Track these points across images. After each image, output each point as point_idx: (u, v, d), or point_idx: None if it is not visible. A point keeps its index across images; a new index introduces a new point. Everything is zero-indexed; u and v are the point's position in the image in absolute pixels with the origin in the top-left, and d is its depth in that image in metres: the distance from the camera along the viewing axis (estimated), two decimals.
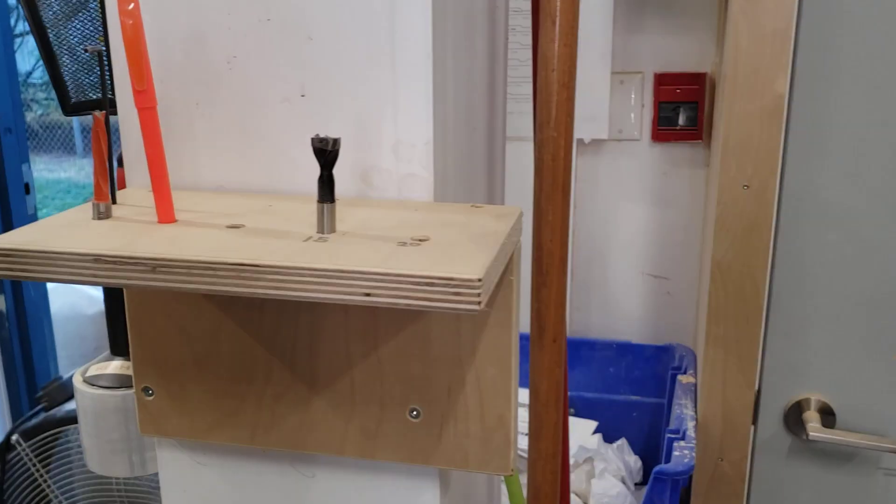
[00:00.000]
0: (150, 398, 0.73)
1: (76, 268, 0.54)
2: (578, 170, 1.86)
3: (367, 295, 0.51)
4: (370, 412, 0.69)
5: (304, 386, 0.70)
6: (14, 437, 1.78)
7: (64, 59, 0.71)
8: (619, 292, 1.90)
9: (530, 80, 1.70)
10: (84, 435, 0.89)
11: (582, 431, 1.79)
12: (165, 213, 0.60)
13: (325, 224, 0.57)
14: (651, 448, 1.81)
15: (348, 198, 0.67)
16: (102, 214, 0.61)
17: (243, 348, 0.70)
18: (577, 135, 1.82)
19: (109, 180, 0.64)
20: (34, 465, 1.77)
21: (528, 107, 1.74)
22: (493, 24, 0.84)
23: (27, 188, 2.32)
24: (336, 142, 0.55)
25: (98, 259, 0.54)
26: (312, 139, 0.55)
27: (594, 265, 1.90)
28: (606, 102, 1.79)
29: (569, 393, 1.85)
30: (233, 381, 0.71)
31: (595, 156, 1.85)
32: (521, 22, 1.74)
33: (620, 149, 1.84)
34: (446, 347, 0.66)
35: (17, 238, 0.56)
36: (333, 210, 0.57)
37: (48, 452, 1.78)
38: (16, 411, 2.27)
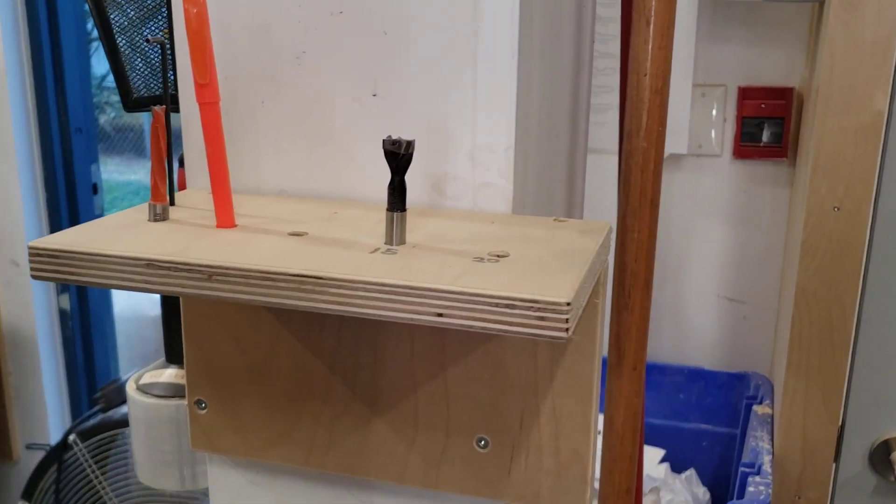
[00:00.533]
0: (203, 412, 0.69)
1: (127, 273, 0.50)
2: None
3: (440, 315, 0.45)
4: (434, 439, 0.64)
5: (364, 406, 0.65)
6: (71, 437, 1.78)
7: (126, 51, 0.68)
8: (692, 315, 1.82)
9: (606, 89, 1.62)
10: (135, 444, 0.86)
11: (649, 459, 1.71)
12: (225, 217, 0.56)
13: (395, 235, 0.52)
14: (721, 480, 1.72)
15: (418, 207, 0.62)
16: (159, 216, 0.57)
17: (301, 363, 0.65)
18: None
19: (168, 181, 0.60)
20: (90, 465, 1.77)
21: (605, 117, 1.67)
22: (580, 26, 0.78)
23: (95, 188, 2.34)
24: (410, 144, 0.50)
25: (150, 264, 0.49)
26: (384, 141, 0.50)
27: (667, 285, 1.82)
28: (686, 115, 1.72)
29: None
30: (289, 398, 0.66)
31: (672, 171, 1.77)
32: (601, 29, 1.68)
33: (699, 165, 1.76)
34: (521, 373, 0.60)
35: (65, 238, 0.52)
36: (404, 220, 0.52)
37: (104, 454, 1.77)
38: (76, 411, 2.28)
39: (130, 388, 0.86)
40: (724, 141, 1.73)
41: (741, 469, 1.42)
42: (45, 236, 0.52)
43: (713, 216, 1.77)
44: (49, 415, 2.21)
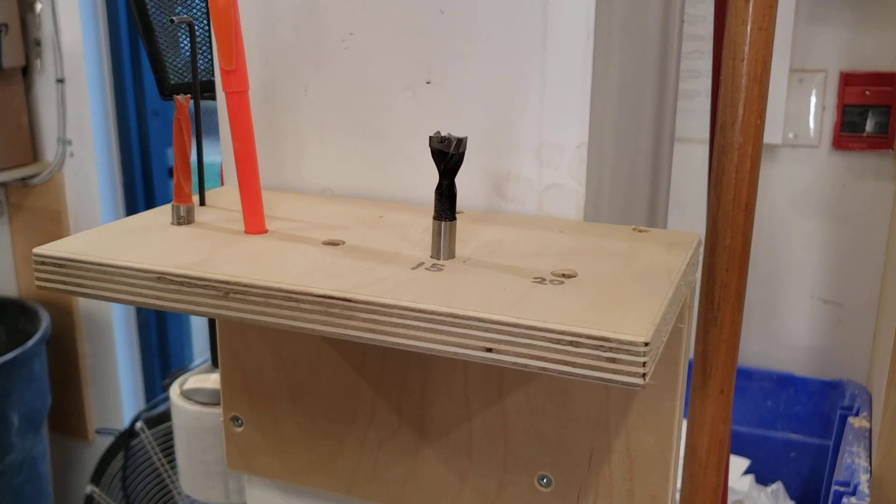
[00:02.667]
0: (240, 429, 0.63)
1: (136, 287, 0.44)
2: None
3: (488, 350, 0.38)
4: (490, 473, 0.56)
5: (412, 433, 0.58)
6: (138, 424, 1.77)
7: (162, 35, 0.62)
8: (783, 317, 1.69)
9: (694, 74, 1.49)
10: (178, 453, 0.81)
11: (732, 470, 1.60)
12: (254, 221, 0.49)
13: (443, 248, 0.44)
14: (811, 495, 1.59)
15: (476, 212, 0.54)
16: (183, 219, 0.51)
17: (344, 384, 0.58)
18: None
19: (199, 178, 0.54)
20: (156, 453, 1.75)
21: (691, 104, 1.56)
22: (668, 5, 0.69)
23: (171, 171, 2.33)
24: (461, 142, 0.42)
25: (161, 278, 0.43)
26: (431, 138, 0.43)
27: (756, 285, 1.70)
28: (782, 103, 1.59)
29: None
30: (331, 420, 0.60)
31: (765, 163, 1.65)
32: (689, 9, 1.56)
33: (795, 156, 1.63)
34: (590, 406, 0.52)
35: (74, 246, 0.46)
36: (453, 230, 0.44)
37: (170, 442, 1.75)
38: (150, 396, 2.29)
39: (174, 393, 0.81)
40: (823, 131, 1.59)
41: (835, 487, 1.30)
42: (52, 242, 0.47)
43: (809, 211, 1.64)
44: (123, 399, 2.22)
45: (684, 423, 0.67)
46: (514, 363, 0.37)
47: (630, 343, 0.35)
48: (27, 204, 2.10)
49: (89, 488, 1.84)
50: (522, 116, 0.52)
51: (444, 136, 0.43)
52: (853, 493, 1.28)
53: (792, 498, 1.58)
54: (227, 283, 0.42)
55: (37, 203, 2.08)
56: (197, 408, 0.79)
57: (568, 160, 0.51)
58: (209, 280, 0.42)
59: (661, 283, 0.41)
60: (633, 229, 0.50)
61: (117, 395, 2.23)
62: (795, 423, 1.66)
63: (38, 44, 1.99)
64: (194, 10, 0.63)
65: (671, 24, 0.71)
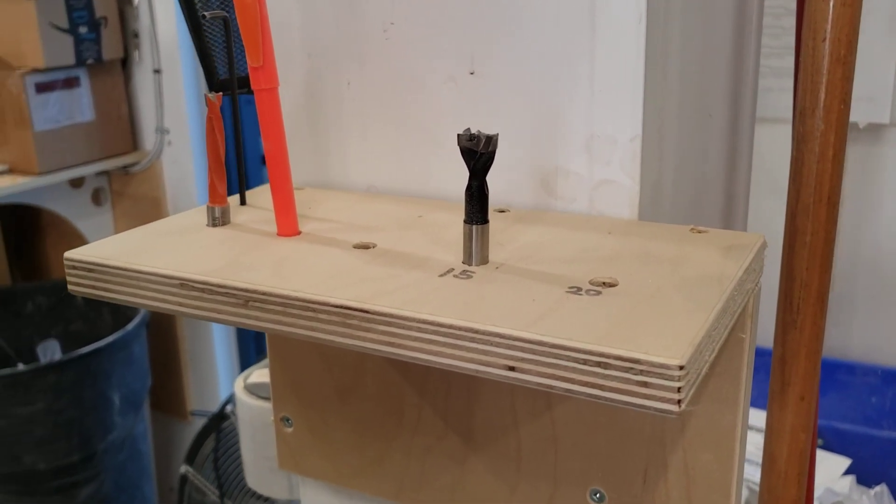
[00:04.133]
0: (290, 430, 0.62)
1: (161, 292, 0.43)
2: (849, 160, 1.56)
3: (511, 369, 0.35)
4: (540, 485, 0.53)
5: (459, 440, 0.55)
6: (229, 407, 1.80)
7: (210, 31, 0.61)
8: (889, 309, 1.58)
9: (790, 50, 1.41)
10: (243, 447, 0.81)
11: (831, 470, 1.51)
12: (286, 223, 0.47)
13: (474, 253, 0.42)
14: None
15: (523, 210, 0.51)
16: (218, 220, 0.49)
17: (390, 387, 0.56)
18: (850, 117, 1.52)
19: (239, 177, 0.53)
20: None
21: (783, 82, 1.47)
22: None
23: (262, 160, 2.37)
24: (491, 140, 0.39)
25: (184, 284, 0.42)
26: (459, 136, 0.40)
27: (859, 274, 1.60)
28: (891, 78, 1.48)
29: (819, 421, 1.58)
30: (378, 424, 0.58)
31: (871, 144, 1.54)
32: None
33: None
34: (644, 419, 0.49)
35: (105, 250, 0.46)
36: (485, 234, 0.42)
37: None
38: None
39: (238, 388, 0.80)
40: None
41: None
42: (84, 246, 0.46)
43: None
44: (220, 382, 2.27)
45: (758, 437, 0.63)
46: (539, 384, 0.34)
47: (663, 366, 0.32)
48: (129, 191, 2.17)
49: (184, 468, 1.90)
50: (571, 108, 0.48)
51: (474, 134, 0.40)
52: None
53: None
54: (247, 290, 0.40)
55: (137, 190, 2.15)
56: (260, 402, 0.79)
57: (620, 154, 0.48)
58: (229, 287, 0.41)
59: (710, 294, 0.37)
60: (691, 230, 0.46)
61: (214, 378, 2.29)
62: None
63: (136, 36, 2.04)
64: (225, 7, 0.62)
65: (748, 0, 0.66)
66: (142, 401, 1.99)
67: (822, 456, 1.55)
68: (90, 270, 0.45)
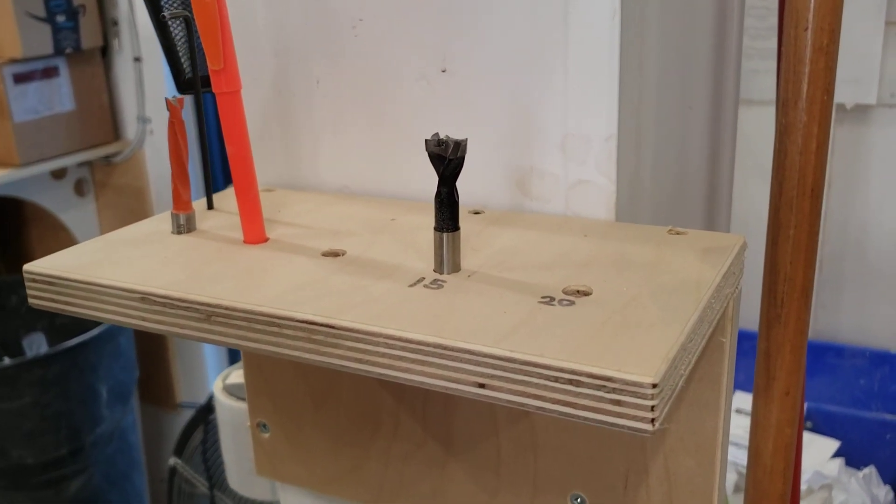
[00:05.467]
0: (266, 435, 0.61)
1: (122, 306, 0.41)
2: (836, 141, 1.55)
3: (481, 386, 0.34)
4: (520, 491, 0.52)
5: (438, 447, 0.54)
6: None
7: (177, 30, 0.59)
8: (877, 290, 1.58)
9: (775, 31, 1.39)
10: (223, 448, 0.80)
11: (820, 452, 1.51)
12: (253, 230, 0.46)
13: (445, 261, 0.40)
14: None
15: (498, 211, 0.50)
16: (182, 227, 0.48)
17: (367, 393, 0.55)
18: (837, 99, 1.50)
19: (205, 181, 0.51)
20: None
21: (768, 64, 1.45)
22: None
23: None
24: (460, 146, 0.38)
25: (145, 298, 0.40)
26: (427, 141, 0.38)
27: (848, 256, 1.59)
28: (877, 60, 1.46)
29: (807, 404, 1.57)
30: (355, 430, 0.57)
31: (858, 124, 1.53)
32: None
33: (892, 116, 1.50)
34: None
35: (65, 261, 0.44)
36: (457, 241, 0.40)
37: None
38: None
39: (217, 388, 0.79)
40: None
41: None
42: (44, 258, 0.44)
43: None
44: (209, 373, 2.26)
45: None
46: (509, 401, 0.33)
47: (636, 384, 0.30)
48: (112, 182, 2.14)
49: (172, 460, 1.89)
50: (545, 107, 0.47)
51: (442, 139, 0.38)
52: None
53: (886, 482, 1.49)
54: (210, 305, 0.39)
55: (121, 181, 2.13)
56: (239, 404, 0.78)
57: (595, 154, 0.46)
58: (191, 302, 0.39)
59: (687, 303, 0.36)
60: (669, 231, 0.45)
61: (203, 369, 2.27)
62: (891, 404, 1.56)
63: (115, 23, 2.01)
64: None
65: None
66: (130, 393, 1.98)
67: (810, 439, 1.55)
68: (50, 284, 0.43)
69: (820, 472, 1.44)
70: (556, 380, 0.32)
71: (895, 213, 1.54)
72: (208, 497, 1.84)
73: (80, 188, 2.12)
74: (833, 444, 1.52)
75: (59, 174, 2.03)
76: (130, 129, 2.05)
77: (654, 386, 0.30)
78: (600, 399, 0.31)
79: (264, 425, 0.61)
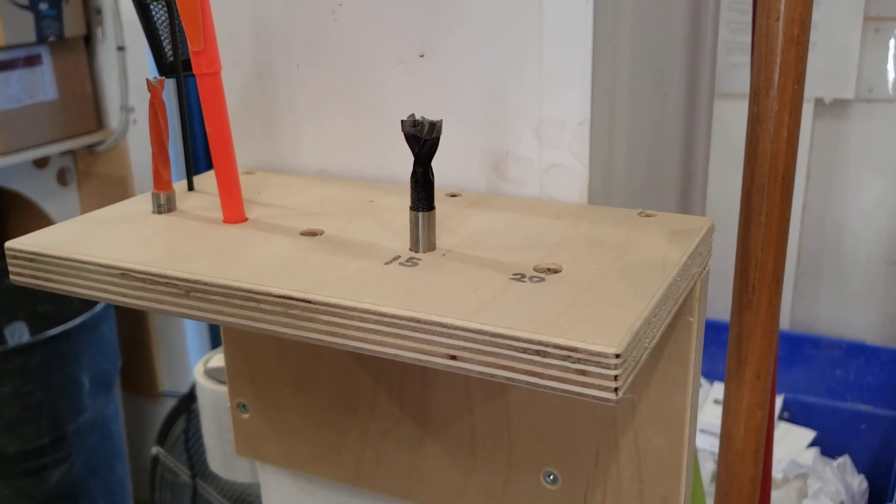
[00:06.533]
0: (246, 416, 0.62)
1: (102, 282, 0.42)
2: (815, 135, 1.57)
3: (453, 358, 0.35)
4: (494, 469, 0.53)
5: (415, 425, 0.55)
6: None
7: (158, 11, 0.60)
8: (854, 282, 1.60)
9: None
10: (205, 432, 0.81)
11: (796, 442, 1.54)
12: (232, 210, 0.47)
13: (421, 240, 0.41)
14: (881, 469, 1.52)
15: (475, 193, 0.51)
16: (163, 207, 0.49)
17: (345, 373, 0.56)
18: (815, 93, 1.53)
19: (186, 162, 0.52)
20: None
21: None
22: None
23: None
24: (435, 126, 0.39)
25: (125, 274, 0.41)
26: (403, 122, 0.39)
27: (826, 248, 1.61)
28: (855, 55, 1.49)
29: (784, 394, 1.59)
30: (334, 410, 0.58)
31: (836, 119, 1.55)
32: None
33: (870, 111, 1.52)
34: (595, 403, 0.49)
35: (46, 239, 0.45)
36: (432, 221, 0.41)
37: None
38: None
39: (198, 372, 0.80)
40: None
41: None
42: (25, 235, 0.45)
43: (884, 170, 1.54)
44: (191, 362, 2.26)
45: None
46: (480, 372, 0.34)
47: (600, 354, 0.32)
48: (94, 171, 2.14)
49: (155, 449, 1.89)
50: (520, 92, 0.48)
51: (418, 120, 0.39)
52: None
53: (861, 472, 1.51)
54: (188, 280, 0.40)
55: (103, 170, 2.12)
56: (220, 387, 0.78)
57: (569, 138, 0.47)
58: (170, 278, 0.40)
59: (652, 280, 0.37)
60: (639, 213, 0.46)
61: (185, 358, 2.27)
62: (866, 394, 1.58)
63: (98, 12, 2.00)
64: None
65: None
66: (112, 382, 1.98)
67: (787, 428, 1.58)
68: (31, 260, 0.44)
69: (795, 462, 1.46)
70: (525, 351, 0.33)
71: (872, 206, 1.56)
72: (190, 486, 1.84)
73: (62, 177, 2.12)
74: (809, 434, 1.55)
75: (41, 163, 2.03)
76: (114, 118, 2.04)
77: (618, 356, 0.31)
78: (566, 369, 0.32)
79: (244, 406, 0.62)
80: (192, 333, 2.28)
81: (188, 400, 1.83)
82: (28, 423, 1.79)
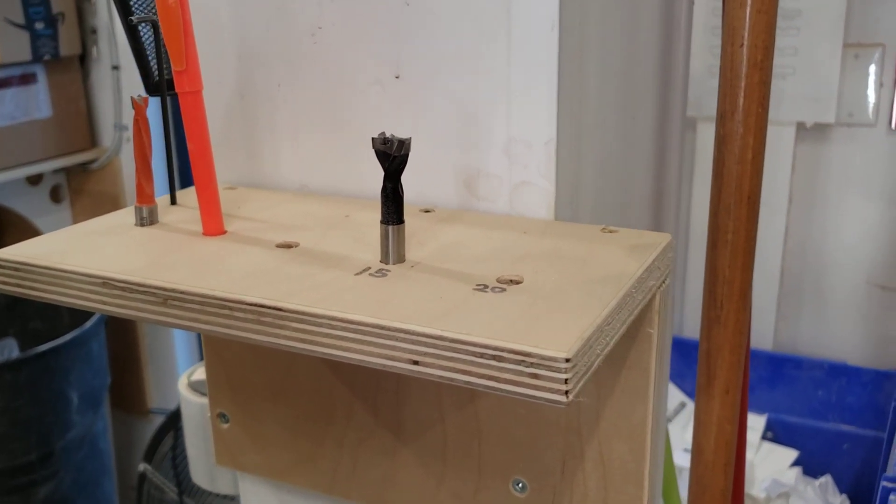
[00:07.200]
0: (226, 426, 0.63)
1: (84, 291, 0.44)
2: (797, 159, 1.60)
3: (415, 363, 0.36)
4: (465, 476, 0.55)
5: (389, 434, 0.57)
6: None
7: (146, 33, 0.62)
8: (836, 304, 1.62)
9: None
10: (188, 443, 0.82)
11: (778, 461, 1.55)
12: (211, 223, 0.48)
13: (391, 252, 0.43)
14: (863, 489, 1.54)
15: (447, 210, 0.53)
16: (146, 220, 0.51)
17: (322, 384, 0.58)
18: (797, 117, 1.55)
19: (169, 178, 0.54)
20: None
21: None
22: None
23: None
24: (403, 144, 0.41)
25: (106, 283, 0.43)
26: (374, 139, 0.41)
27: (808, 270, 1.63)
28: (835, 80, 1.51)
29: (767, 414, 1.61)
30: (311, 420, 0.59)
31: (817, 143, 1.58)
32: None
33: (850, 135, 1.55)
34: (561, 412, 0.50)
35: (31, 249, 0.46)
36: (401, 234, 0.43)
37: None
38: None
39: (182, 385, 0.81)
40: (881, 109, 1.51)
41: (883, 483, 1.25)
42: (11, 246, 0.47)
43: (864, 193, 1.57)
44: (179, 379, 2.27)
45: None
46: (441, 377, 0.36)
47: (551, 359, 0.33)
48: (87, 189, 2.15)
49: (142, 466, 1.89)
50: (490, 112, 0.50)
51: (388, 137, 0.41)
52: None
53: (843, 492, 1.53)
54: (165, 289, 0.41)
55: (96, 188, 2.14)
56: (203, 399, 0.80)
57: (536, 157, 0.49)
58: (149, 286, 0.42)
59: (607, 291, 0.39)
60: (602, 230, 0.48)
61: (174, 375, 2.28)
62: (848, 415, 1.60)
63: (94, 32, 2.03)
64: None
65: (677, 5, 0.68)
66: (101, 399, 1.98)
67: (770, 448, 1.59)
68: (16, 269, 0.46)
69: (778, 481, 1.48)
70: (482, 356, 0.35)
71: (853, 228, 1.58)
72: (177, 503, 1.85)
73: (55, 194, 2.13)
74: (791, 454, 1.56)
75: (34, 180, 2.04)
76: (107, 136, 2.06)
77: (568, 360, 0.33)
78: (520, 373, 0.34)
79: (224, 416, 0.63)
80: (181, 351, 2.29)
81: (176, 417, 1.84)
82: (16, 439, 1.80)
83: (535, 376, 0.34)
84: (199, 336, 2.29)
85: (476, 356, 0.35)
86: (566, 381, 0.33)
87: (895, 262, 1.58)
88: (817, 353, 1.65)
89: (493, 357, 0.35)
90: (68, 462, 1.93)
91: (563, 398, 0.34)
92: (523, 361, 0.34)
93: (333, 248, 0.46)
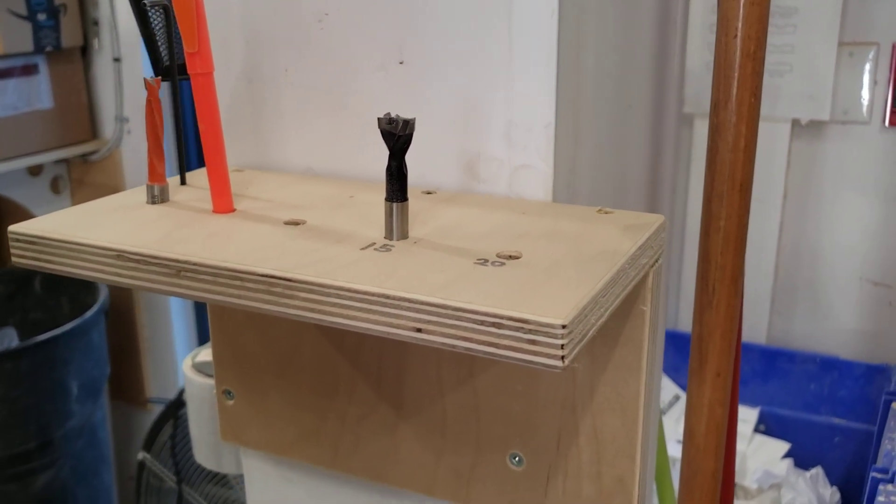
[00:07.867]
0: (231, 402, 0.65)
1: (99, 263, 0.46)
2: (792, 155, 1.61)
3: (418, 331, 0.38)
4: (463, 451, 0.57)
5: (390, 410, 0.58)
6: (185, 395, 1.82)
7: (155, 15, 0.64)
8: (829, 298, 1.64)
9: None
10: (191, 424, 0.84)
11: (770, 453, 1.57)
12: (221, 201, 0.50)
13: (395, 229, 0.45)
14: (853, 481, 1.56)
15: (449, 192, 0.54)
16: (157, 198, 0.52)
17: (325, 360, 0.60)
18: (792, 114, 1.57)
19: (179, 158, 0.55)
20: None
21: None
22: None
23: None
24: (408, 124, 0.43)
25: (120, 256, 0.45)
26: (380, 119, 0.43)
27: (802, 265, 1.65)
28: (830, 78, 1.53)
29: (760, 407, 1.63)
30: (314, 395, 0.61)
31: (813, 140, 1.60)
32: None
33: (845, 132, 1.57)
34: (557, 387, 0.52)
35: (47, 224, 0.48)
36: (405, 211, 0.45)
37: None
38: None
39: (186, 366, 0.83)
40: (875, 106, 1.54)
41: (872, 474, 1.27)
42: (28, 220, 0.49)
43: (858, 190, 1.59)
44: (179, 369, 2.28)
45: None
46: (443, 343, 0.38)
47: (548, 325, 0.35)
48: (88, 180, 2.17)
49: (141, 455, 1.91)
50: (490, 97, 0.52)
51: (393, 118, 0.43)
52: (891, 481, 1.25)
53: (834, 483, 1.55)
54: (179, 261, 0.43)
55: (97, 179, 2.15)
56: (208, 380, 0.81)
57: (535, 141, 0.51)
58: (162, 259, 0.44)
59: (601, 267, 0.41)
60: (598, 211, 0.50)
61: (173, 365, 2.29)
62: (840, 408, 1.62)
63: (95, 23, 2.04)
64: None
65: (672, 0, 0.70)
66: (100, 388, 2.00)
67: (762, 440, 1.61)
68: (32, 243, 0.47)
69: (770, 472, 1.50)
70: (482, 323, 0.37)
71: (846, 224, 1.60)
72: (176, 492, 1.86)
73: (56, 185, 2.15)
74: (783, 446, 1.58)
75: (35, 171, 2.06)
76: (108, 128, 2.08)
77: (564, 327, 0.35)
78: (519, 339, 0.36)
79: (229, 392, 0.65)
80: (180, 341, 2.31)
81: (175, 406, 1.85)
82: (15, 427, 1.81)
83: (533, 342, 0.36)
84: (197, 326, 2.31)
85: (477, 323, 0.37)
86: (562, 346, 0.35)
87: (888, 259, 1.60)
88: (810, 348, 1.67)
89: (493, 324, 0.36)
90: (67, 451, 1.94)
91: (559, 363, 0.35)
92: (522, 328, 0.36)
93: (339, 226, 0.48)
